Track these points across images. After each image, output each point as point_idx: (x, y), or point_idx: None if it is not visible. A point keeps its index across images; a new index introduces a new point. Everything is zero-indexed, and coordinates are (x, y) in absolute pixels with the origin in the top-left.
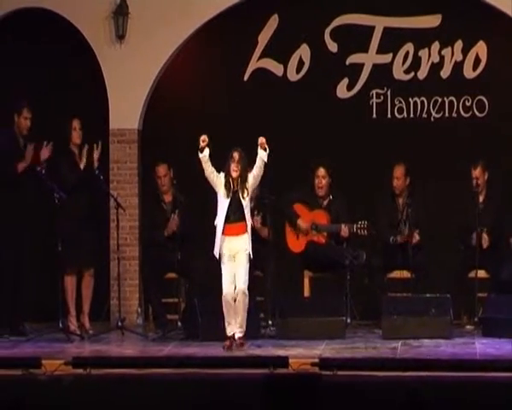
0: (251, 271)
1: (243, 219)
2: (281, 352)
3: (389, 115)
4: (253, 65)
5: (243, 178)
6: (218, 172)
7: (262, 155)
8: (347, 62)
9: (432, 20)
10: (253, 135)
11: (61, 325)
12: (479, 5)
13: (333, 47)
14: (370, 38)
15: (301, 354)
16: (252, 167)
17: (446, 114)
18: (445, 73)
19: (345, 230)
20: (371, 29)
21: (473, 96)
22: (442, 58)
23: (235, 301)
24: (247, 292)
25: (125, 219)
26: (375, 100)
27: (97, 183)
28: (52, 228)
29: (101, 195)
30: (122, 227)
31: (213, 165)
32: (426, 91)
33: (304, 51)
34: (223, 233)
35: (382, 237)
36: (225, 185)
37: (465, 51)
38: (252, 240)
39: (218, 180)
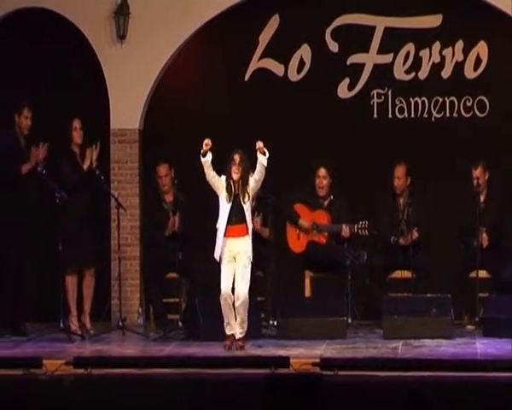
0: (252, 271)
1: (244, 221)
2: (282, 352)
3: (390, 115)
4: (253, 65)
5: (244, 180)
6: (219, 175)
7: (261, 160)
8: (348, 62)
9: (433, 20)
10: (254, 135)
11: (61, 324)
12: (480, 5)
13: (334, 47)
14: (371, 38)
15: (302, 354)
16: (253, 170)
17: (447, 114)
18: (445, 73)
19: (346, 230)
20: (372, 29)
21: (474, 96)
22: (443, 58)
23: (233, 303)
24: (247, 295)
25: (126, 218)
26: (375, 100)
27: (98, 183)
28: (53, 228)
29: (102, 195)
30: (123, 227)
31: (214, 165)
32: (427, 91)
33: (305, 51)
34: (224, 235)
35: (383, 237)
36: (227, 188)
37: (466, 51)
38: (253, 240)
39: (219, 183)
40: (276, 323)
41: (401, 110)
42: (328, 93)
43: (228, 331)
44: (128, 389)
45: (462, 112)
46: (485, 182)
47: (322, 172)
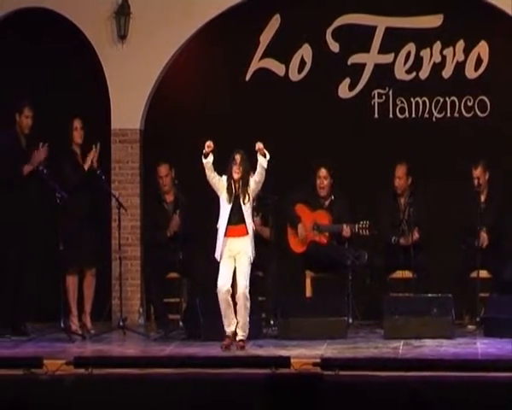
0: (252, 271)
1: (244, 221)
2: (282, 352)
3: (391, 115)
4: (254, 65)
5: (245, 180)
6: (220, 175)
7: (261, 162)
8: (349, 62)
9: (433, 20)
10: (254, 135)
11: (62, 324)
12: (480, 5)
13: (334, 47)
14: (372, 37)
15: (303, 354)
16: (254, 170)
17: (448, 114)
18: (446, 73)
19: (346, 230)
20: (373, 29)
21: (474, 96)
22: (444, 58)
23: (232, 299)
24: (248, 295)
25: (127, 218)
26: (376, 100)
27: (99, 183)
28: (54, 228)
29: (102, 195)
30: (124, 227)
31: (215, 165)
32: (427, 91)
33: (305, 51)
34: (224, 235)
35: (384, 237)
36: (227, 189)
37: (467, 51)
38: (254, 241)
39: (220, 184)
40: (275, 323)
41: (402, 110)
42: (329, 93)
43: (226, 328)
44: (129, 389)
45: (463, 112)
46: (486, 182)
47: (323, 172)
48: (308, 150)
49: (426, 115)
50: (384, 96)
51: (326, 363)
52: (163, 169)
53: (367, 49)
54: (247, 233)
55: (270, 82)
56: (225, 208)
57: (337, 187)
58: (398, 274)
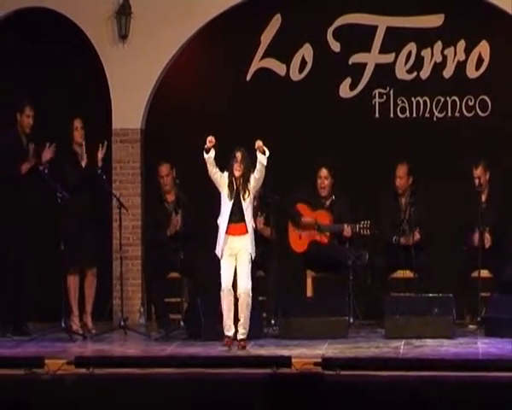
0: (253, 271)
1: (244, 219)
2: (283, 352)
3: (392, 115)
4: (255, 65)
5: (246, 177)
6: (222, 171)
7: (261, 159)
8: (350, 62)
9: (434, 20)
10: (255, 135)
11: (63, 324)
12: (481, 5)
13: (335, 47)
14: (373, 37)
15: (304, 354)
16: (254, 168)
17: (449, 114)
18: (447, 72)
19: (347, 230)
20: (374, 29)
21: (475, 95)
22: (445, 58)
23: (236, 301)
24: (250, 293)
25: (128, 218)
26: (377, 100)
27: (100, 182)
28: (55, 228)
29: (103, 194)
30: (125, 227)
31: (216, 165)
32: (428, 91)
33: (306, 51)
34: (226, 232)
35: (385, 236)
36: (229, 185)
37: (468, 51)
38: (254, 240)
39: (221, 180)
40: (276, 323)
41: (403, 110)
42: (330, 93)
43: (226, 331)
44: (130, 389)
45: (464, 111)
46: (487, 181)
47: (324, 172)
48: (309, 150)
49: (427, 115)
50: (385, 96)
51: (327, 363)
52: (164, 169)
53: (368, 49)
54: (247, 232)
55: (270, 82)
56: (226, 205)
57: (338, 187)
58: (399, 274)
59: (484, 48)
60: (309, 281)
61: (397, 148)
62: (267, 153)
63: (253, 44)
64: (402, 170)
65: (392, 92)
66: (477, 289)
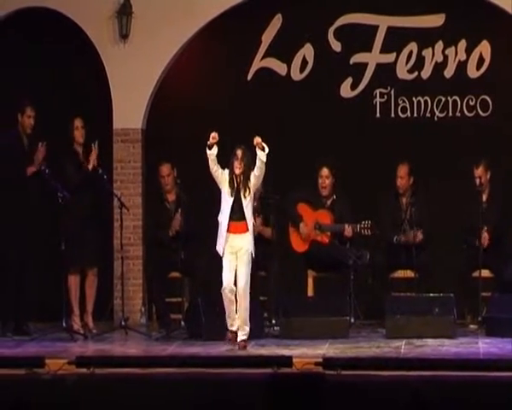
0: (255, 270)
1: (245, 217)
2: (284, 351)
3: (393, 115)
4: (256, 64)
5: (246, 175)
6: (223, 168)
7: (260, 156)
8: (351, 62)
9: (435, 20)
10: (256, 134)
11: (64, 324)
12: (482, 5)
13: (336, 46)
14: (374, 37)
15: (305, 354)
16: (254, 165)
17: (450, 114)
18: (448, 72)
19: (348, 230)
20: (375, 28)
21: (476, 95)
22: (446, 57)
23: (236, 298)
24: (248, 291)
25: (129, 218)
26: (378, 99)
27: (101, 182)
28: (56, 227)
29: (104, 194)
30: (126, 227)
31: (217, 163)
32: (429, 91)
33: (307, 51)
34: (227, 231)
35: (386, 236)
36: (229, 183)
37: (469, 51)
38: (255, 240)
39: (222, 177)
40: (276, 322)
41: (404, 110)
42: (331, 92)
43: (229, 326)
44: (130, 389)
45: (465, 111)
46: (488, 181)
47: (325, 171)
48: (310, 150)
49: (428, 115)
50: (386, 96)
51: (328, 362)
52: (165, 168)
53: (369, 49)
54: (248, 230)
55: (271, 81)
56: (227, 202)
57: (339, 186)
58: (400, 274)
59: (485, 48)
60: (310, 281)
61: (398, 148)
62: (266, 149)
63: (254, 44)
64: (403, 170)
65: (393, 92)
66: (478, 288)
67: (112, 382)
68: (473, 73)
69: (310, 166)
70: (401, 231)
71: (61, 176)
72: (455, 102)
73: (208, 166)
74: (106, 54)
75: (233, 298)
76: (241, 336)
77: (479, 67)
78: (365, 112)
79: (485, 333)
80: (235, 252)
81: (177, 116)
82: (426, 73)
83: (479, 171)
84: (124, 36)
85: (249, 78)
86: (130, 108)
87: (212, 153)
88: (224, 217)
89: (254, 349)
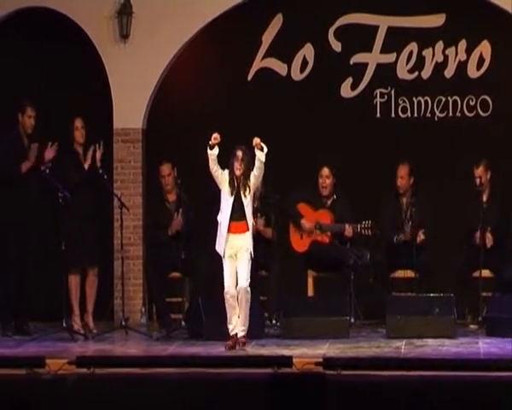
0: (255, 270)
1: (245, 217)
2: (285, 351)
3: (393, 115)
4: (256, 64)
5: (246, 175)
6: (223, 169)
7: (259, 156)
8: (351, 62)
9: (436, 20)
10: (256, 135)
11: (64, 324)
12: (483, 5)
13: (337, 46)
14: (374, 37)
15: (305, 354)
16: (253, 166)
17: (450, 114)
18: (448, 72)
19: (349, 230)
20: (375, 28)
21: (477, 95)
22: (446, 58)
23: (237, 298)
24: (248, 290)
25: (129, 218)
26: (378, 99)
27: (101, 182)
28: (56, 227)
29: (105, 194)
30: (126, 226)
31: (218, 163)
32: (430, 91)
33: (308, 51)
34: (227, 231)
35: (386, 236)
36: (229, 183)
37: (469, 51)
38: (256, 240)
39: (222, 177)
40: (277, 322)
41: (404, 110)
42: (332, 93)
43: (230, 331)
44: (131, 389)
45: (465, 111)
46: (488, 181)
47: (326, 171)
48: (310, 150)
49: (428, 115)
50: (386, 96)
51: (328, 362)
52: (165, 168)
53: (369, 49)
54: (248, 229)
55: (272, 81)
56: (227, 202)
57: (339, 186)
58: (401, 274)
59: (485, 48)
60: (310, 281)
61: (398, 148)
62: (265, 149)
63: (255, 44)
64: (403, 170)
65: (393, 92)
66: (478, 288)
67: (112, 382)
68: (473, 73)
69: (310, 166)
70: (401, 231)
71: (61, 176)
72: (455, 102)
73: (208, 166)
74: (106, 54)
75: (235, 303)
76: (240, 332)
77: (479, 67)
78: (365, 112)
79: (486, 333)
80: (235, 252)
81: (177, 116)
82: (426, 73)
83: (479, 171)
84: (124, 36)
85: (249, 78)
86: (130, 108)
87: (213, 153)
88: (224, 217)
89: (254, 349)
